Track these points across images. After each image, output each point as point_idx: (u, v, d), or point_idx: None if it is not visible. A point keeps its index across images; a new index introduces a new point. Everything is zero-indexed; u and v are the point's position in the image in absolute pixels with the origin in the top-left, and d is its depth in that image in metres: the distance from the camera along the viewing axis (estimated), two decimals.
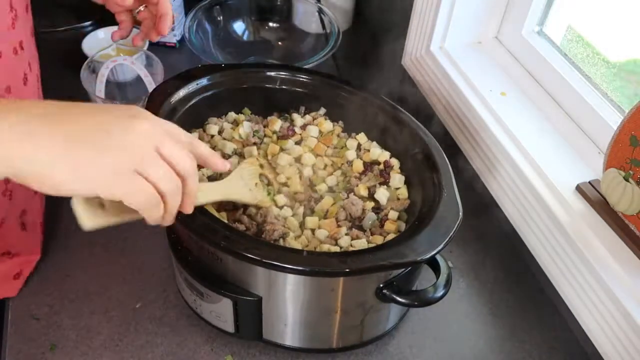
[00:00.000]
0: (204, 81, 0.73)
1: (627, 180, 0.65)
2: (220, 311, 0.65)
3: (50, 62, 1.07)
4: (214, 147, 0.72)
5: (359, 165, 0.72)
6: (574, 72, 0.83)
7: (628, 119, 0.64)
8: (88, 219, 0.47)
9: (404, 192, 0.70)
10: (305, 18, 1.10)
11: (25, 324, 0.70)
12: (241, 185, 0.64)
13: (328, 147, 0.74)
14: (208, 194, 0.59)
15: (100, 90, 0.88)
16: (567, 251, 0.69)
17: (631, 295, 0.63)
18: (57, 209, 0.83)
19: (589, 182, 0.72)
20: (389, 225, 0.66)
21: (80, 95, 0.89)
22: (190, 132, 0.73)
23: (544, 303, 0.77)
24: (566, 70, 0.83)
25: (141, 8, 0.74)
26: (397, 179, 0.70)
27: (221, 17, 1.08)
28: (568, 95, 0.82)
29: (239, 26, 1.11)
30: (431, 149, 0.69)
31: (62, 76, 0.96)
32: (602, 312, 0.66)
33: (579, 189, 0.72)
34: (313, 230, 0.65)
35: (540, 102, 0.85)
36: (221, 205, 0.65)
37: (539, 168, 0.75)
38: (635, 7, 0.75)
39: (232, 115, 0.77)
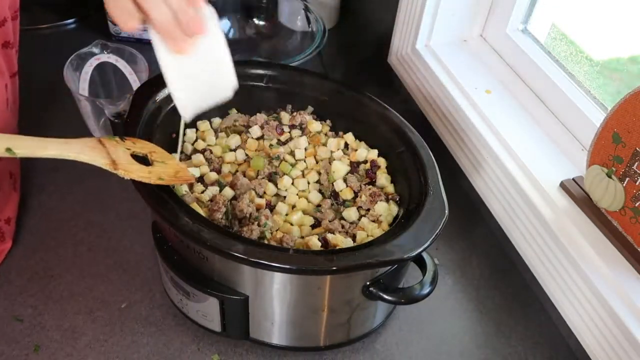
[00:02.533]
0: None
1: (609, 176, 0.66)
2: (207, 310, 0.65)
3: (33, 60, 1.06)
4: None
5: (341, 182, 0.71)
6: (558, 70, 0.83)
7: (611, 117, 0.65)
8: None
9: (390, 190, 0.70)
10: (291, 16, 1.10)
11: (8, 325, 0.69)
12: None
13: (318, 162, 0.74)
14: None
15: (84, 88, 0.87)
16: (552, 247, 0.70)
17: (614, 290, 0.64)
18: (40, 208, 0.82)
19: (573, 179, 0.73)
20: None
21: (63, 93, 0.88)
22: (184, 133, 0.73)
23: (529, 299, 0.77)
24: (550, 68, 0.83)
25: None
26: (383, 178, 0.70)
27: None
28: (552, 92, 0.82)
29: (224, 24, 1.10)
30: (417, 147, 0.69)
31: (45, 74, 0.95)
32: (585, 308, 0.66)
33: (562, 185, 0.73)
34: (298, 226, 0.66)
35: (525, 100, 0.86)
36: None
37: (523, 165, 0.76)
38: (618, 6, 0.76)
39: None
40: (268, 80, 0.77)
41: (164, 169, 0.58)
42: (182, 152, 0.72)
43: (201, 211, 0.62)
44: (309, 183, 0.71)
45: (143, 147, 0.60)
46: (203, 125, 0.75)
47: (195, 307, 0.66)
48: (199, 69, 0.54)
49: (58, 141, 0.51)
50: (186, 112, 0.57)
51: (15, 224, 0.77)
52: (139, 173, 0.55)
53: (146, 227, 0.69)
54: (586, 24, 0.83)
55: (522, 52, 0.87)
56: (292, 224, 0.66)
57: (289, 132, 0.76)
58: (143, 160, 0.59)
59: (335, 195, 0.70)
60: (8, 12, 0.69)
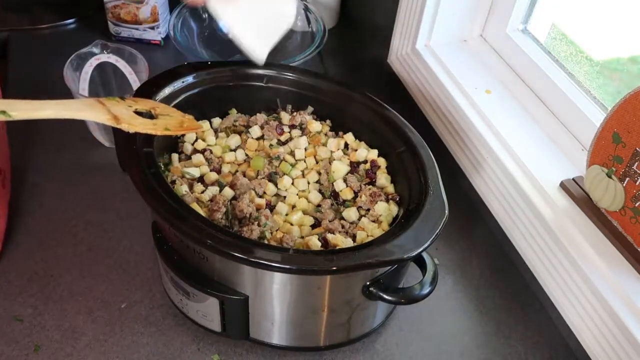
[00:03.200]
0: (189, 79, 0.72)
1: (609, 176, 0.66)
2: (207, 310, 0.65)
3: (33, 60, 1.06)
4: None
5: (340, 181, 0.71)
6: (558, 70, 0.83)
7: (611, 116, 0.65)
8: None
9: (390, 190, 0.70)
10: None
11: (8, 325, 0.69)
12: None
13: (318, 162, 0.74)
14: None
15: (83, 88, 0.87)
16: (552, 247, 0.70)
17: (614, 290, 0.64)
18: (39, 208, 0.82)
19: (573, 179, 0.73)
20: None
21: (64, 93, 0.88)
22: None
23: (529, 299, 0.77)
24: (550, 68, 0.83)
25: None
26: (383, 178, 0.70)
27: (207, 15, 1.07)
28: (552, 92, 0.82)
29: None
30: (417, 147, 0.69)
31: (46, 74, 0.95)
32: (585, 307, 0.66)
33: (562, 185, 0.73)
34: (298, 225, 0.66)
35: (525, 100, 0.86)
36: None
37: (523, 165, 0.76)
38: (618, 6, 0.76)
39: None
40: (268, 80, 0.77)
41: (169, 120, 0.57)
42: (181, 152, 0.72)
43: (201, 211, 0.62)
44: (309, 183, 0.71)
45: (145, 104, 0.59)
46: (203, 125, 0.75)
47: (195, 307, 0.66)
48: (255, 8, 0.54)
49: (54, 102, 0.49)
50: (258, 56, 0.57)
51: (6, 222, 0.77)
52: (144, 126, 0.54)
53: (146, 227, 0.69)
54: (586, 24, 0.83)
55: (522, 52, 0.87)
56: (292, 224, 0.66)
57: (289, 132, 0.76)
58: (147, 117, 0.58)
59: (335, 195, 0.70)
60: None
